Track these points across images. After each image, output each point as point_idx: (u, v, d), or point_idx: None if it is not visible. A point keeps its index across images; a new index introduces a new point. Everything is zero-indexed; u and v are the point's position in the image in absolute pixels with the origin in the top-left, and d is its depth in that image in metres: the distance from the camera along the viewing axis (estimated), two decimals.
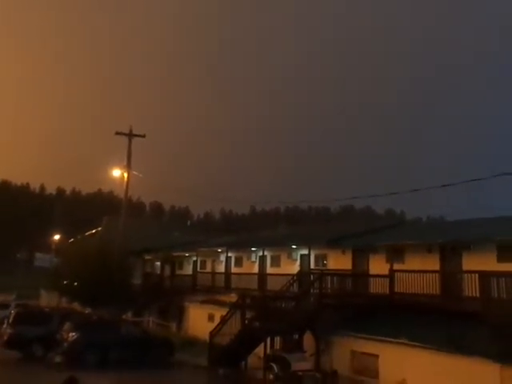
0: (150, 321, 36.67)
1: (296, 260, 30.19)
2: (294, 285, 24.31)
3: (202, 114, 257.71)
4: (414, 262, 22.71)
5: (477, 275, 18.74)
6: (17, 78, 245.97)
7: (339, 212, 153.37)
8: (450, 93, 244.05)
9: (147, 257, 45.72)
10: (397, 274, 22.25)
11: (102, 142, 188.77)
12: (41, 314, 28.89)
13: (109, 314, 29.70)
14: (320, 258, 28.84)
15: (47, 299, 51.90)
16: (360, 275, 25.21)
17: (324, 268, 27.36)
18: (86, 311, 34.50)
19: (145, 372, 22.94)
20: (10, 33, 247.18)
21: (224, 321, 23.69)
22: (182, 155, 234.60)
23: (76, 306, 37.82)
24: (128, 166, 33.89)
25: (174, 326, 35.44)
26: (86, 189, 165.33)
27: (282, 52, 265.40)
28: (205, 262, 39.92)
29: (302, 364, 20.18)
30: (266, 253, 32.71)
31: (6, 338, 24.97)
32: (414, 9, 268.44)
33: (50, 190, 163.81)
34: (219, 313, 28.25)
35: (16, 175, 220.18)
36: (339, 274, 24.06)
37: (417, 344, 18.32)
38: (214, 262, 38.44)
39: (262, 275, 31.41)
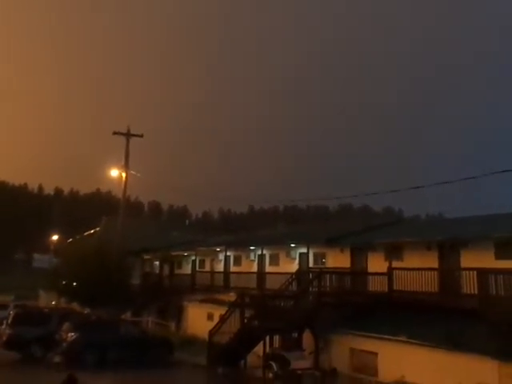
0: (149, 320, 36.66)
1: (295, 259, 30.21)
2: (293, 283, 24.35)
3: (201, 113, 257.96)
4: (412, 260, 22.74)
5: (475, 272, 18.78)
6: (14, 77, 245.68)
7: (338, 210, 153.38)
8: (450, 93, 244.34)
9: (146, 256, 45.72)
10: (395, 272, 22.28)
11: (100, 142, 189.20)
12: (40, 314, 28.82)
13: (108, 314, 29.69)
14: (319, 257, 28.86)
15: (46, 300, 51.87)
16: (359, 273, 25.23)
17: (323, 266, 27.38)
18: (85, 311, 34.47)
19: (144, 372, 22.94)
20: (7, 32, 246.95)
21: (223, 320, 23.71)
22: (180, 155, 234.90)
23: (75, 306, 37.78)
24: (126, 166, 33.92)
25: (173, 326, 35.45)
26: (84, 189, 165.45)
27: (281, 52, 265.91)
28: (203, 261, 39.93)
29: (301, 362, 20.21)
30: (264, 251, 32.73)
31: (4, 338, 24.92)
32: (413, 9, 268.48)
33: (48, 190, 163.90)
34: (218, 312, 28.27)
35: (14, 175, 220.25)
36: (338, 273, 24.08)
37: (415, 341, 18.37)
38: (212, 261, 38.45)
39: (261, 274, 31.43)
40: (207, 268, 39.07)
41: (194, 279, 38.51)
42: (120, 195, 36.10)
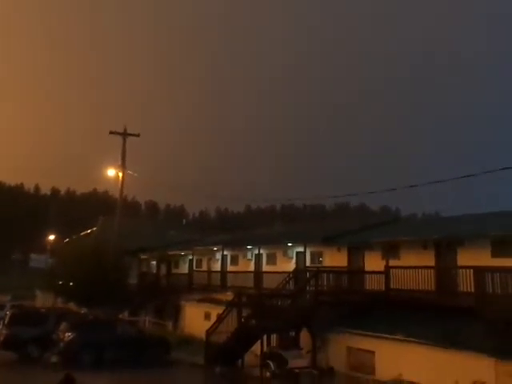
0: (147, 320, 36.65)
1: (292, 258, 30.23)
2: (290, 282, 24.35)
3: (198, 113, 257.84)
4: (409, 259, 22.79)
5: (471, 270, 18.81)
6: (10, 77, 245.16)
7: (334, 209, 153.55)
8: (449, 93, 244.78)
9: (143, 256, 45.68)
10: (392, 271, 22.33)
11: (97, 142, 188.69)
12: (36, 314, 28.79)
13: (105, 314, 29.66)
14: (316, 256, 28.89)
15: (43, 300, 51.76)
16: (356, 272, 25.28)
17: (320, 265, 27.43)
18: (82, 311, 34.44)
19: (141, 371, 22.92)
20: (7, 32, 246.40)
21: (220, 319, 23.70)
22: (176, 154, 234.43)
23: (72, 306, 37.74)
24: (123, 166, 33.85)
25: (170, 325, 35.43)
26: (81, 189, 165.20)
27: (281, 52, 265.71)
28: (201, 260, 39.93)
29: (298, 361, 20.25)
30: (261, 251, 32.74)
31: (1, 338, 24.86)
32: (414, 9, 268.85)
33: (45, 190, 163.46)
34: (215, 311, 28.26)
35: (10, 175, 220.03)
36: (335, 272, 24.12)
37: (412, 340, 18.42)
38: (209, 260, 38.45)
39: (258, 273, 31.44)
40: (204, 267, 39.07)
41: (191, 279, 38.51)
42: (117, 195, 36.02)
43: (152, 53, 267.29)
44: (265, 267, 32.07)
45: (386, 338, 19.45)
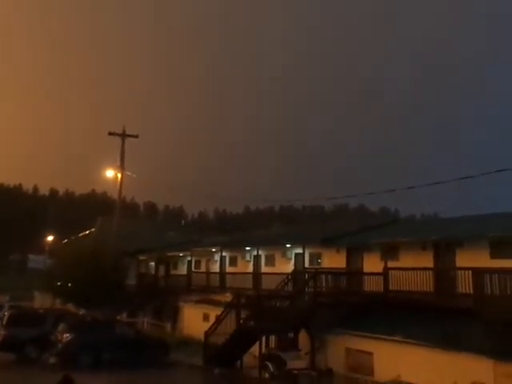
0: (145, 321, 36.62)
1: (290, 259, 30.22)
2: (289, 284, 24.37)
3: (196, 113, 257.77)
4: (408, 260, 22.78)
5: (470, 272, 18.81)
6: (9, 78, 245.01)
7: (333, 211, 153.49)
8: (449, 93, 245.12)
9: (141, 257, 45.65)
10: (391, 272, 22.31)
11: (96, 143, 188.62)
12: (35, 315, 28.76)
13: (103, 315, 29.63)
14: (314, 257, 28.88)
15: (41, 300, 51.72)
16: (354, 273, 25.26)
17: (318, 267, 27.40)
18: (80, 312, 34.40)
19: (140, 372, 22.90)
20: (6, 33, 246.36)
21: (219, 320, 23.68)
22: (175, 155, 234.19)
23: (70, 307, 37.71)
24: (121, 167, 33.83)
25: (168, 326, 35.40)
26: (80, 189, 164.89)
27: (281, 52, 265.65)
28: (199, 261, 39.90)
29: (297, 362, 20.24)
30: (260, 252, 32.73)
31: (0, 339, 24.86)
32: (413, 9, 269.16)
33: (44, 190, 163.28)
34: (214, 312, 28.23)
35: (9, 176, 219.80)
36: (334, 273, 24.09)
37: (411, 341, 18.41)
38: (208, 261, 38.42)
39: (257, 274, 31.41)
40: (203, 269, 39.04)
41: (189, 280, 38.48)
42: (115, 196, 36.00)
43: (152, 53, 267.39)
44: (263, 268, 32.05)
45: (385, 340, 19.44)
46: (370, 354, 20.10)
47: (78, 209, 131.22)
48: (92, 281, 31.91)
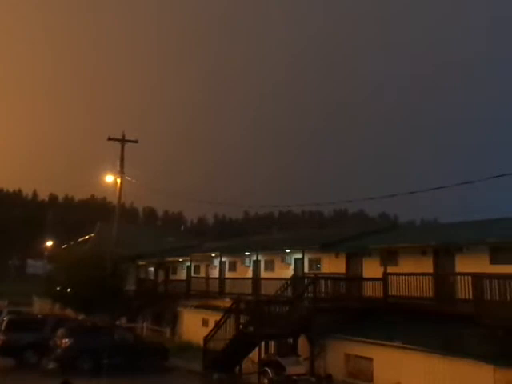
0: (144, 326, 36.55)
1: (290, 264, 30.19)
2: (288, 289, 24.31)
3: (195, 118, 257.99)
4: (407, 265, 22.75)
5: (470, 277, 18.80)
6: (8, 83, 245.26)
7: (333, 216, 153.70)
8: (449, 93, 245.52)
9: (141, 262, 45.61)
10: (390, 277, 22.28)
11: (95, 148, 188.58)
12: (34, 320, 28.72)
13: (102, 320, 29.57)
14: (314, 262, 28.84)
15: (40, 306, 51.64)
16: (354, 279, 25.21)
17: (318, 272, 27.36)
18: (80, 317, 34.35)
19: (139, 378, 22.85)
20: (6, 35, 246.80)
21: (218, 326, 23.63)
22: (175, 161, 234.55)
23: (69, 312, 37.66)
24: (121, 172, 33.84)
25: (168, 332, 35.33)
26: (79, 195, 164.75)
27: (278, 54, 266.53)
28: (199, 267, 39.85)
29: (296, 368, 20.16)
30: (259, 257, 32.69)
31: None
32: (413, 9, 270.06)
33: (43, 196, 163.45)
34: (213, 318, 28.19)
35: (8, 181, 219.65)
36: (333, 278, 24.08)
37: (411, 347, 18.35)
38: (207, 266, 38.37)
39: (256, 280, 31.37)
40: (202, 274, 38.99)
41: (189, 285, 38.44)
42: (115, 201, 35.94)
43: (152, 58, 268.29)
44: (263, 274, 32.02)
45: (385, 345, 19.39)
46: (370, 359, 20.05)
47: (78, 214, 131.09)
48: (91, 286, 31.86)
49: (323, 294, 22.84)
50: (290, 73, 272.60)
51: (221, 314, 24.62)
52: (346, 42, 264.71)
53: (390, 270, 22.66)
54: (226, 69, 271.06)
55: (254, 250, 33.58)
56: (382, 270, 22.96)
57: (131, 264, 42.69)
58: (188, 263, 40.65)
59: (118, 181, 33.90)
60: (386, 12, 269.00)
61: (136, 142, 34.83)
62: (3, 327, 25.45)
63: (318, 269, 28.25)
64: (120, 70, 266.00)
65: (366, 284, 23.60)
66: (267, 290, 27.43)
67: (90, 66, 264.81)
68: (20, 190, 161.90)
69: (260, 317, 21.61)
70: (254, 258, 33.01)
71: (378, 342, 19.64)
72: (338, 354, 21.27)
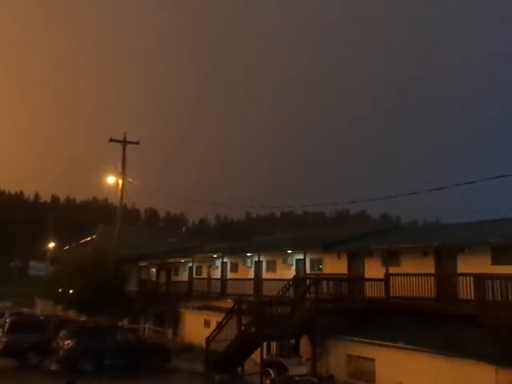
0: (146, 327, 36.57)
1: (292, 265, 30.20)
2: (290, 290, 24.32)
3: (197, 119, 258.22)
4: (409, 266, 22.76)
5: (472, 278, 18.81)
6: (9, 85, 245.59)
7: (334, 217, 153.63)
8: (449, 93, 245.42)
9: (142, 263, 45.66)
10: (392, 278, 22.29)
11: (97, 149, 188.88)
12: (36, 321, 28.75)
13: (104, 322, 29.60)
14: (315, 263, 28.86)
15: (42, 307, 51.69)
16: (356, 279, 25.23)
17: (320, 272, 27.38)
18: (82, 319, 34.39)
19: (141, 379, 22.88)
20: (6, 38, 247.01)
21: (220, 326, 23.64)
22: (176, 162, 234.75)
23: (71, 313, 37.70)
24: (122, 173, 33.89)
25: (170, 333, 35.35)
26: (81, 196, 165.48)
27: (278, 54, 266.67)
28: (200, 267, 39.87)
29: (298, 369, 20.17)
30: (261, 258, 32.71)
31: (1, 346, 24.81)
32: (413, 9, 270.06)
33: (45, 197, 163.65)
34: (215, 319, 28.20)
35: (10, 183, 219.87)
36: (335, 279, 24.08)
37: (413, 347, 18.37)
38: (209, 267, 38.40)
39: (258, 280, 31.38)
40: (204, 275, 39.01)
41: (190, 286, 38.46)
42: (116, 203, 35.97)
43: (151, 58, 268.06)
44: (265, 274, 32.03)
45: (386, 346, 19.41)
46: (372, 360, 20.06)
47: (79, 215, 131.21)
48: (93, 287, 31.89)
49: (325, 294, 22.85)
50: (290, 72, 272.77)
51: (223, 315, 24.62)
52: (346, 42, 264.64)
53: (391, 270, 22.67)
54: (226, 69, 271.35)
55: (256, 250, 33.61)
56: (383, 270, 22.97)
57: (133, 265, 42.75)
58: (190, 264, 40.67)
59: (120, 182, 33.96)
60: (386, 12, 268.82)
61: (137, 143, 34.89)
62: (6, 329, 25.48)
63: (320, 269, 28.27)
64: (120, 70, 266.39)
65: (367, 285, 23.61)
66: (269, 290, 27.44)
67: (90, 66, 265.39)
68: (22, 192, 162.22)
69: (262, 317, 21.61)
70: (256, 258, 33.03)
71: (380, 342, 19.66)
72: (340, 354, 21.28)
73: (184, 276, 41.49)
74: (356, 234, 29.65)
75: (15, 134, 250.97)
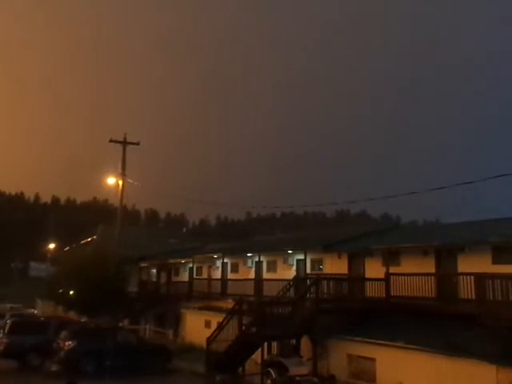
0: (147, 328, 36.58)
1: (292, 265, 30.20)
2: (291, 290, 24.30)
3: (197, 119, 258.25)
4: (409, 265, 22.76)
5: (472, 277, 18.80)
6: (9, 86, 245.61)
7: (335, 217, 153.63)
8: (449, 93, 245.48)
9: (143, 264, 45.67)
10: (393, 278, 22.29)
11: (97, 150, 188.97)
12: (37, 323, 28.80)
13: (105, 322, 29.61)
14: (316, 263, 28.87)
15: (43, 308, 51.72)
16: (356, 279, 25.23)
17: (320, 272, 27.38)
18: (82, 319, 34.41)
19: (142, 379, 22.88)
20: (5, 40, 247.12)
21: (221, 327, 23.64)
22: (176, 161, 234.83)
23: (72, 314, 37.72)
24: (123, 174, 33.91)
25: (170, 333, 35.35)
26: (81, 197, 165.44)
27: (278, 54, 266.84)
28: (201, 268, 39.88)
29: (299, 369, 20.16)
30: (262, 258, 32.72)
31: (2, 347, 24.83)
32: (414, 9, 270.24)
33: (45, 198, 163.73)
34: (216, 319, 28.20)
35: (10, 184, 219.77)
36: (335, 279, 24.08)
37: (413, 347, 18.37)
38: (210, 268, 38.40)
39: (259, 281, 31.38)
40: (205, 275, 39.01)
41: (191, 286, 38.46)
42: (117, 203, 35.98)
43: (151, 58, 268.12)
44: (265, 275, 32.03)
45: (387, 345, 19.41)
46: (373, 360, 20.07)
47: (80, 216, 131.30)
48: (94, 288, 31.90)
49: (325, 294, 22.84)
50: (290, 72, 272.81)
51: (223, 316, 24.63)
52: (346, 42, 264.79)
53: (392, 270, 22.68)
54: (226, 69, 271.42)
55: (257, 251, 33.62)
56: (384, 270, 22.97)
57: (133, 266, 42.77)
58: (190, 265, 40.67)
59: (120, 183, 33.98)
60: (386, 12, 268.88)
61: (137, 144, 34.91)
62: (6, 330, 25.51)
63: (321, 269, 28.27)
64: (120, 70, 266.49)
65: (368, 284, 23.61)
66: (269, 290, 27.44)
67: (90, 66, 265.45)
68: (22, 193, 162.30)
69: (263, 318, 21.61)
70: (257, 259, 33.04)
71: (381, 342, 19.66)
72: (341, 354, 21.29)
73: (184, 276, 41.49)
74: (356, 234, 29.65)
75: (15, 134, 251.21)
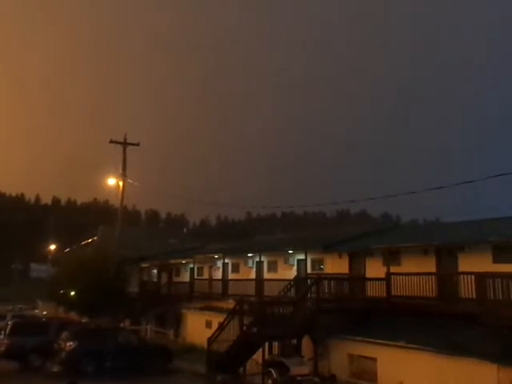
0: (148, 328, 36.58)
1: (293, 265, 30.21)
2: (292, 290, 24.33)
3: (196, 119, 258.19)
4: (410, 265, 22.77)
5: (473, 276, 18.79)
6: (8, 84, 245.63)
7: (335, 217, 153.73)
8: (449, 93, 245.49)
9: (144, 265, 45.69)
10: (393, 277, 22.28)
11: (97, 150, 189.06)
12: (38, 323, 28.83)
13: (106, 323, 29.63)
14: (317, 263, 28.88)
15: (44, 309, 51.74)
16: (357, 279, 25.24)
17: (321, 272, 27.39)
18: (83, 320, 34.42)
19: (143, 380, 22.90)
20: (5, 42, 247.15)
21: (222, 327, 23.65)
22: (176, 162, 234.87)
23: (73, 315, 37.74)
24: (123, 175, 33.89)
25: (171, 334, 35.37)
26: (82, 198, 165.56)
27: (278, 54, 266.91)
28: (202, 268, 39.89)
29: (300, 368, 20.16)
30: (262, 258, 32.73)
31: (3, 348, 24.86)
32: (414, 9, 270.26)
33: (45, 199, 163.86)
34: (217, 319, 28.23)
35: (11, 186, 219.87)
36: (336, 278, 24.09)
37: (414, 346, 18.37)
38: (210, 268, 38.41)
39: (259, 281, 31.38)
40: (205, 275, 39.02)
41: (192, 287, 38.47)
42: (117, 204, 35.96)
43: (151, 58, 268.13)
44: (266, 275, 32.03)
45: (388, 345, 19.41)
46: (374, 359, 20.07)
47: (80, 217, 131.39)
48: (95, 289, 31.92)
49: (326, 294, 22.84)
50: (290, 72, 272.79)
51: (224, 316, 24.65)
52: (346, 42, 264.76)
53: (392, 269, 22.68)
54: (226, 69, 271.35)
55: (257, 251, 33.62)
56: (384, 269, 22.97)
57: (134, 266, 42.78)
58: (191, 265, 40.68)
59: (120, 183, 33.96)
60: (386, 12, 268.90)
61: (137, 144, 34.89)
62: (7, 331, 25.54)
63: (321, 269, 28.28)
64: (120, 70, 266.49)
65: (369, 284, 23.61)
66: (270, 291, 27.46)
67: (90, 66, 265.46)
68: (23, 194, 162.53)
69: (263, 318, 21.62)
70: (257, 259, 33.05)
71: (382, 341, 19.66)
72: (342, 354, 21.29)
73: (185, 277, 41.50)
74: (357, 234, 29.67)
75: (15, 134, 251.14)
